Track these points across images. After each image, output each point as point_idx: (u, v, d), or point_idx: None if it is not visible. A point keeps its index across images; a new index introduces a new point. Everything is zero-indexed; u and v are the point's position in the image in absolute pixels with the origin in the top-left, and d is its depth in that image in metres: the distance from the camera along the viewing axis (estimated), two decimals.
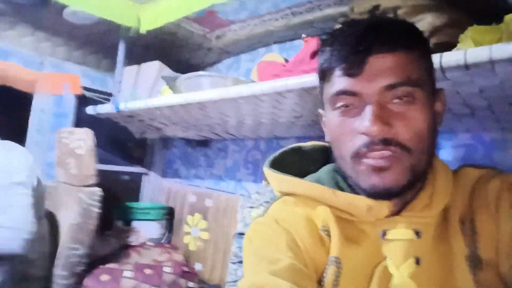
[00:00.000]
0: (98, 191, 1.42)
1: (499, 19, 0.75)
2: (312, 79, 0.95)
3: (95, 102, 1.74)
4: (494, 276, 0.53)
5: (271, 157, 0.69)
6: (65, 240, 1.37)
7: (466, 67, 0.70)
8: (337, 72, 0.54)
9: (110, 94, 1.72)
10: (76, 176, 1.44)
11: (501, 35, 0.71)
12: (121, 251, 1.63)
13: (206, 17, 1.55)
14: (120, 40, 1.59)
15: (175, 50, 1.82)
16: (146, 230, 1.81)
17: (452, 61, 0.71)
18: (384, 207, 0.55)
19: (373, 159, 0.52)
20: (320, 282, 0.57)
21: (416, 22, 0.96)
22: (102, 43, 1.75)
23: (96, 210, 1.39)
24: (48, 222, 1.42)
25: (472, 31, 0.75)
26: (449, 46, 0.78)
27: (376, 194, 0.54)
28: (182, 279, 1.52)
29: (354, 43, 0.52)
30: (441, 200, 0.57)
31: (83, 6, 1.34)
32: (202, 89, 1.25)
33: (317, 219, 0.60)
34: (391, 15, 1.01)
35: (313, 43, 1.11)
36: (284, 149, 0.71)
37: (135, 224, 1.82)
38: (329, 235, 0.58)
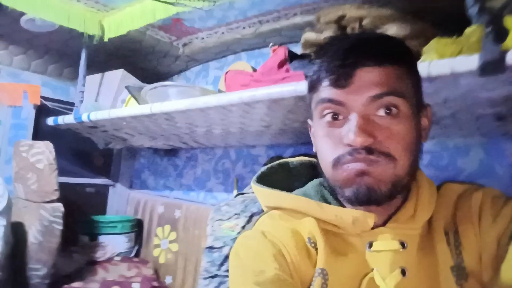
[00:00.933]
0: (60, 207, 1.35)
1: (460, 32, 0.77)
2: (280, 89, 0.94)
3: (56, 113, 1.66)
4: (478, 286, 0.54)
5: (259, 172, 0.70)
6: (25, 261, 1.30)
7: (430, 79, 0.71)
8: (325, 83, 0.55)
9: (72, 104, 1.65)
10: (36, 192, 1.37)
11: (462, 47, 0.73)
12: (87, 268, 1.56)
13: (173, 25, 1.52)
14: (82, 48, 1.52)
15: (141, 58, 1.77)
16: (113, 244, 1.75)
17: None
18: (369, 218, 0.56)
19: (354, 164, 0.52)
20: None
21: (383, 32, 0.97)
22: (63, 51, 1.68)
23: (58, 227, 1.33)
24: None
25: (435, 43, 0.76)
26: None
27: (357, 200, 0.54)
28: None
29: (342, 55, 0.54)
30: (425, 212, 0.58)
31: (43, 14, 1.28)
32: (169, 99, 1.22)
33: (303, 232, 0.61)
34: (356, 25, 1.02)
35: (280, 52, 1.11)
36: (271, 164, 0.72)
37: (101, 238, 1.75)
38: (315, 247, 0.59)
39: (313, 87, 0.59)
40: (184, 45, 1.66)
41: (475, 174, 1.07)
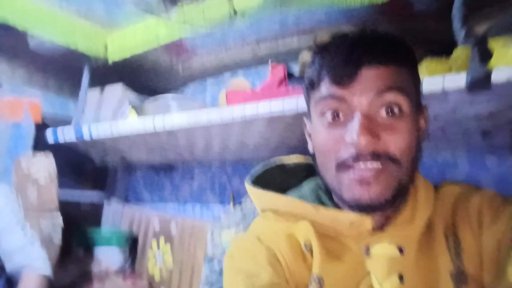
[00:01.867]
0: (59, 219, 1.36)
1: (447, 53, 0.84)
2: (279, 107, 0.98)
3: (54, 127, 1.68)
4: None
5: (253, 172, 0.68)
6: None
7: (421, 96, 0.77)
8: (326, 80, 0.54)
9: (71, 119, 1.67)
10: (36, 204, 1.38)
11: (451, 67, 0.80)
12: (82, 280, 1.56)
13: (173, 45, 1.57)
14: (83, 65, 1.56)
15: (139, 75, 1.81)
16: (108, 257, 1.75)
17: None
18: (366, 222, 0.55)
19: (359, 171, 0.51)
20: None
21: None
22: (64, 66, 1.72)
23: (57, 237, 1.34)
24: None
25: (427, 62, 0.83)
26: None
27: (358, 207, 0.53)
28: None
29: (346, 52, 0.53)
30: (423, 214, 0.57)
31: (47, 34, 1.30)
32: (170, 112, 1.26)
33: (299, 236, 0.60)
34: None
35: (279, 71, 1.16)
36: (266, 163, 0.70)
37: (96, 251, 1.75)
38: (311, 252, 0.58)
39: (312, 84, 0.57)
40: (183, 64, 1.71)
41: None
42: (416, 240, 0.56)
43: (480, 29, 0.74)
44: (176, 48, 1.59)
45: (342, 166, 0.53)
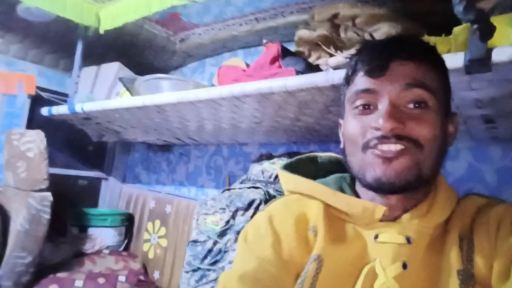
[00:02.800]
0: (49, 196, 1.35)
1: (449, 31, 0.77)
2: (270, 84, 0.94)
3: (51, 103, 1.66)
4: None
5: (287, 161, 0.73)
6: (11, 248, 1.30)
7: None
8: (360, 74, 0.58)
9: (67, 95, 1.65)
10: (26, 180, 1.37)
11: (450, 46, 0.72)
12: (75, 259, 1.56)
13: (170, 20, 1.52)
14: (78, 39, 1.53)
15: (138, 52, 1.77)
16: (102, 237, 1.74)
17: None
18: (378, 210, 0.57)
19: (382, 151, 0.54)
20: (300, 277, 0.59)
21: (373, 31, 0.97)
22: (60, 42, 1.68)
23: (46, 216, 1.33)
24: None
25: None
26: None
27: (379, 186, 0.55)
28: None
29: (379, 50, 0.58)
30: (439, 214, 0.58)
31: (39, 3, 1.28)
32: (162, 92, 1.21)
33: (309, 215, 0.64)
34: (349, 23, 1.02)
35: (273, 48, 1.10)
36: (300, 156, 0.74)
37: (91, 230, 1.75)
38: (315, 234, 0.61)
39: (348, 80, 0.61)
40: (181, 40, 1.66)
41: (463, 178, 1.06)
42: (427, 236, 0.58)
43: (485, 4, 0.66)
44: (172, 23, 1.53)
45: (367, 146, 0.56)
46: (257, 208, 1.08)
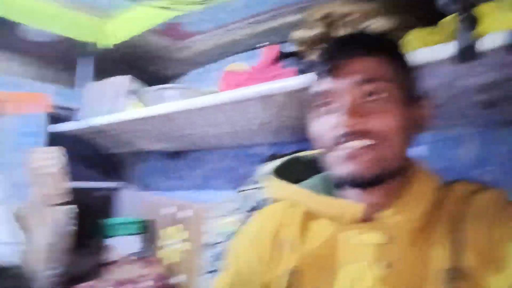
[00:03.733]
0: (71, 209, 1.41)
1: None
2: (269, 86, 0.97)
3: (66, 120, 1.73)
4: (478, 286, 0.53)
5: (275, 165, 0.74)
6: (40, 261, 1.36)
7: None
8: (318, 76, 0.61)
9: (77, 110, 1.71)
10: (48, 195, 1.43)
11: (441, 37, 0.73)
12: (101, 267, 1.62)
13: (171, 29, 1.56)
14: (84, 56, 1.58)
15: (145, 63, 1.82)
16: (125, 245, 1.80)
17: None
18: (357, 208, 0.59)
19: (347, 149, 0.56)
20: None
21: (367, 27, 0.98)
22: (70, 59, 1.74)
23: (70, 228, 1.38)
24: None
25: (414, 34, 0.77)
26: None
27: (350, 182, 0.57)
28: None
29: (331, 51, 0.61)
30: (417, 205, 0.58)
31: (41, 24, 1.32)
32: (168, 101, 1.25)
33: (288, 225, 0.67)
34: (342, 21, 1.03)
35: (272, 51, 1.13)
36: (284, 159, 0.76)
37: (114, 240, 1.80)
38: (292, 245, 0.64)
39: (311, 84, 0.64)
40: (184, 48, 1.70)
41: (470, 164, 1.06)
42: (409, 231, 0.58)
43: None
44: (174, 32, 1.57)
45: (333, 145, 0.58)
46: None
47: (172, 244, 1.82)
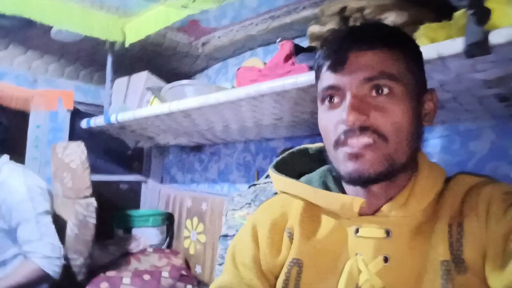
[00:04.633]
0: (93, 202, 1.46)
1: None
2: (282, 83, 0.98)
3: (88, 116, 1.79)
4: (477, 280, 0.53)
5: (279, 157, 0.75)
6: (65, 252, 1.42)
7: None
8: (324, 69, 0.59)
9: (102, 107, 1.77)
10: (71, 189, 1.49)
11: (451, 31, 0.73)
12: (122, 258, 1.67)
13: (190, 26, 1.59)
14: (107, 54, 1.63)
15: (164, 60, 1.86)
16: (146, 236, 1.86)
17: None
18: (356, 203, 0.58)
19: (350, 147, 0.55)
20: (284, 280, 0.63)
21: (381, 21, 0.98)
22: (92, 57, 1.80)
23: (92, 221, 1.44)
24: None
25: (425, 28, 0.77)
26: None
27: (352, 180, 0.56)
28: (180, 282, 1.56)
29: (338, 43, 0.58)
30: (419, 201, 0.58)
31: (68, 25, 1.38)
32: (186, 97, 1.29)
33: (290, 217, 0.67)
34: (357, 15, 1.04)
35: (286, 46, 1.14)
36: (292, 150, 0.76)
37: (135, 231, 1.86)
38: (292, 238, 0.64)
39: (317, 76, 0.63)
40: (203, 44, 1.73)
41: (486, 157, 1.06)
42: (409, 226, 0.58)
43: None
44: (193, 29, 1.60)
45: (338, 143, 0.57)
46: None
47: (189, 236, 1.87)
